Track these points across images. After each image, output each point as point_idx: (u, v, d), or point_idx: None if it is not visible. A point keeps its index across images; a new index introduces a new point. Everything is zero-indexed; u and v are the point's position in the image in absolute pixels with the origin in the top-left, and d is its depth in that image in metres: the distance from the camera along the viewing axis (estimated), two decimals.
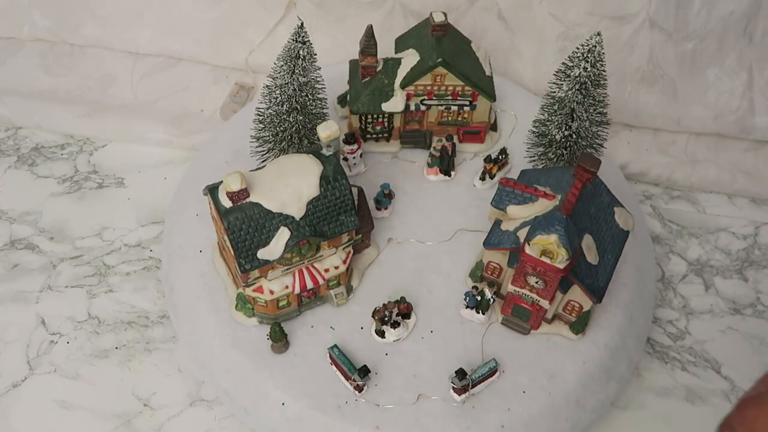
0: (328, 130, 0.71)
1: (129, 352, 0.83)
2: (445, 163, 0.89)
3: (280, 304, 0.76)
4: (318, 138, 0.72)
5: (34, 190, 0.96)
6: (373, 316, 0.77)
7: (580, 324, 0.77)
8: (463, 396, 0.73)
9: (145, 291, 0.87)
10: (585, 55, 0.74)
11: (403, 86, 0.86)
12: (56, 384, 0.81)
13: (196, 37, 1.06)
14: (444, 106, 0.88)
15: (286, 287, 0.75)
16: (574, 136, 0.80)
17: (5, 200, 0.95)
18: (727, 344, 0.86)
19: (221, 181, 0.70)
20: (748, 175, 0.99)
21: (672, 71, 0.99)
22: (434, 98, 0.87)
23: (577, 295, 0.73)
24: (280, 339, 0.75)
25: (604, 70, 0.76)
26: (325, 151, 0.73)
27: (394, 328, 0.77)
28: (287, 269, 0.74)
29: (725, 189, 0.99)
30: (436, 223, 0.86)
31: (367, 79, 0.87)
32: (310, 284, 0.76)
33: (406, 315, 0.78)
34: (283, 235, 0.71)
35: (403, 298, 0.79)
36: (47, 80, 1.06)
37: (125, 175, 0.97)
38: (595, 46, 0.74)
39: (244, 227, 0.70)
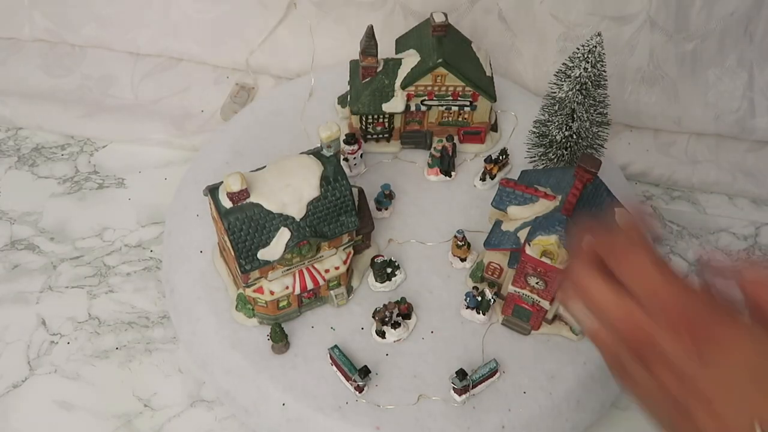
0: (328, 131, 0.71)
1: (129, 353, 0.83)
2: (446, 164, 0.89)
3: (281, 304, 0.76)
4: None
5: (34, 191, 0.96)
6: (373, 317, 0.77)
7: None
8: (464, 396, 0.73)
9: (146, 291, 0.87)
10: (585, 56, 0.74)
11: (403, 87, 0.86)
12: (56, 384, 0.81)
13: (196, 37, 1.06)
14: (444, 107, 0.88)
15: (287, 288, 0.75)
16: (574, 137, 0.80)
17: (6, 201, 0.95)
18: None
19: (222, 182, 0.70)
20: (748, 175, 0.99)
21: (672, 72, 0.99)
22: (435, 99, 0.87)
23: None
24: (280, 340, 0.75)
25: (604, 71, 0.76)
26: (325, 152, 0.73)
27: (395, 328, 0.77)
28: (287, 270, 0.74)
29: (726, 189, 0.99)
30: (437, 223, 0.86)
31: (367, 79, 0.87)
32: (310, 285, 0.76)
33: (406, 315, 0.78)
34: (283, 235, 0.71)
35: (403, 299, 0.79)
36: (48, 81, 1.05)
37: (126, 176, 0.97)
38: (596, 47, 0.74)
39: (244, 228, 0.69)
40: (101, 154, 1.00)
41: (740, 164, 1.00)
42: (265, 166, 0.74)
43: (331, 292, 0.78)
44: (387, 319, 0.77)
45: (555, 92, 0.79)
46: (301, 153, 0.74)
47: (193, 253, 0.83)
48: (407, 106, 0.87)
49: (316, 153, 0.74)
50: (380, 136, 0.91)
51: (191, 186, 0.88)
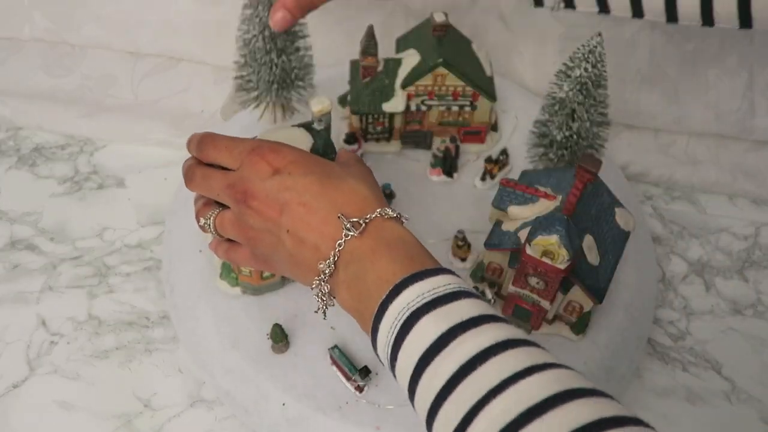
0: (320, 105, 0.71)
1: (129, 353, 0.83)
2: (448, 164, 0.89)
3: (264, 275, 0.77)
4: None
5: (34, 191, 0.96)
6: None
7: (580, 324, 0.77)
8: None
9: (146, 291, 0.87)
10: (586, 56, 0.74)
11: (403, 86, 0.86)
12: (56, 384, 0.81)
13: (196, 37, 1.06)
14: (445, 107, 0.88)
15: None
16: (574, 137, 0.80)
17: (5, 201, 0.95)
18: (727, 345, 0.86)
19: None
20: (748, 175, 0.99)
21: (673, 72, 0.99)
22: (435, 98, 0.87)
23: (577, 295, 0.73)
24: (280, 340, 0.75)
25: (604, 71, 0.76)
26: (316, 125, 0.73)
27: None
28: None
29: (726, 189, 0.99)
30: (437, 223, 0.86)
31: (367, 79, 0.87)
32: None
33: None
34: None
35: None
36: (48, 81, 1.06)
37: (126, 176, 0.97)
38: (596, 47, 0.74)
39: None
40: (101, 154, 1.00)
41: (740, 164, 1.00)
42: (256, 137, 0.74)
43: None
44: None
45: (555, 92, 0.79)
46: (292, 125, 0.74)
47: (193, 253, 0.83)
48: (407, 106, 0.87)
49: (307, 126, 0.74)
50: (380, 135, 0.91)
51: None
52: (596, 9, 0.63)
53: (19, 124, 1.02)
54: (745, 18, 0.57)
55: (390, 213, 0.57)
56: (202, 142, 0.64)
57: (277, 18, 0.70)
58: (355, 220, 0.55)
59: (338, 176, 0.58)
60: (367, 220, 0.55)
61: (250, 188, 0.58)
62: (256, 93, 0.78)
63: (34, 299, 0.87)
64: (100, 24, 1.07)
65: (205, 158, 0.64)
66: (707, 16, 0.58)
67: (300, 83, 0.78)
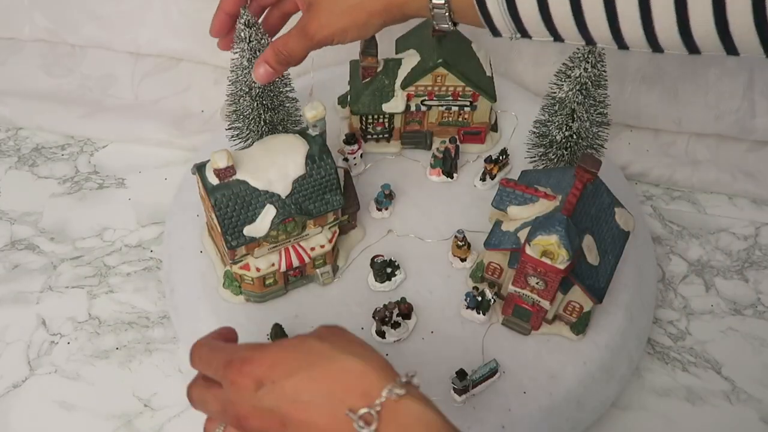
0: (314, 111, 0.72)
1: (129, 353, 0.83)
2: (448, 165, 0.89)
3: (267, 282, 0.77)
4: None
5: (34, 191, 0.96)
6: (373, 317, 0.77)
7: (580, 324, 0.77)
8: (464, 397, 0.73)
9: (146, 291, 0.87)
10: (586, 56, 0.75)
11: (403, 87, 0.86)
12: (57, 385, 0.81)
13: (196, 37, 1.06)
14: (444, 107, 0.88)
15: (273, 265, 0.76)
16: (574, 137, 0.80)
17: (6, 201, 0.95)
18: (727, 345, 0.86)
19: (209, 160, 0.71)
20: (748, 175, 0.99)
21: (673, 71, 0.99)
22: (435, 99, 0.87)
23: (577, 295, 0.73)
24: None
25: (604, 71, 0.76)
26: (311, 131, 0.73)
27: (395, 328, 0.77)
28: (273, 247, 0.75)
29: (726, 190, 0.99)
30: (437, 223, 0.86)
31: (367, 79, 0.87)
32: (296, 262, 0.77)
33: (406, 315, 0.78)
34: (269, 212, 0.72)
35: (403, 299, 0.79)
36: (48, 81, 1.05)
37: (126, 176, 0.97)
38: (596, 47, 0.74)
39: (230, 204, 0.71)
40: (101, 154, 1.00)
41: (740, 164, 1.00)
42: (252, 145, 0.75)
43: (317, 270, 0.79)
44: (387, 319, 0.77)
45: (555, 92, 0.79)
46: (287, 132, 0.75)
47: (193, 253, 0.83)
48: (407, 106, 0.87)
49: (302, 132, 0.74)
50: (380, 136, 0.91)
51: (191, 186, 0.87)
52: (551, 39, 0.61)
53: (19, 124, 1.02)
54: (690, 45, 0.56)
55: (398, 392, 0.49)
56: (191, 352, 0.58)
57: (260, 72, 0.71)
58: (364, 411, 0.48)
59: (326, 358, 0.51)
60: (377, 410, 0.49)
61: (241, 411, 0.52)
62: (248, 142, 0.80)
63: (34, 299, 0.87)
64: (100, 24, 1.07)
65: (195, 368, 0.58)
66: (654, 44, 0.56)
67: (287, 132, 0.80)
